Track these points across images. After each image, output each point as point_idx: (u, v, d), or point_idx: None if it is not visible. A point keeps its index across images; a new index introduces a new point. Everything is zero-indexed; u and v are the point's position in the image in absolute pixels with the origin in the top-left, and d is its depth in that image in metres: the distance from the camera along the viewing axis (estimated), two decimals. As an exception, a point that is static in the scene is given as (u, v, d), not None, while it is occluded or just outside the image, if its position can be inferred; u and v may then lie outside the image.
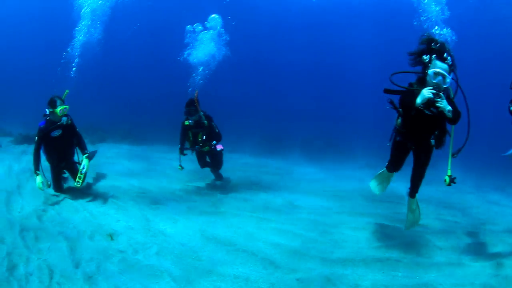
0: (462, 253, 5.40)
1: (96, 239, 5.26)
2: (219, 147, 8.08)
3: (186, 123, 7.77)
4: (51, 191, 7.27)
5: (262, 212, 6.85)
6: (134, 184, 8.38)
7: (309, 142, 16.92)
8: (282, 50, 29.72)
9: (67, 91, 7.16)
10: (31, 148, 11.05)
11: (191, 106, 7.68)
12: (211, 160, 8.23)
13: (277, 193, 8.30)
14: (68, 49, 10.51)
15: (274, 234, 5.75)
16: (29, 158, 9.65)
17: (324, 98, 26.92)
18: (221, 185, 8.60)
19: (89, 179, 8.08)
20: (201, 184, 8.71)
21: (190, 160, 8.50)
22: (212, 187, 8.46)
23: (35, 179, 6.87)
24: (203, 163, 8.37)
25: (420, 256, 5.25)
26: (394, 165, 5.71)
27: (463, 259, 5.17)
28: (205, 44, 9.88)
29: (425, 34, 4.87)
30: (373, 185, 6.19)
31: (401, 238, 5.82)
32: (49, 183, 7.21)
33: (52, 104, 6.88)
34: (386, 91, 4.97)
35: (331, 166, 13.05)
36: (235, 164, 10.96)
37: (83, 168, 7.08)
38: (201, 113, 7.73)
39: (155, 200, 7.24)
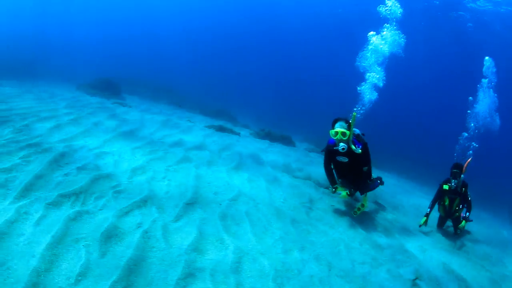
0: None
1: (365, 247, 6.23)
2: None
3: (445, 187, 8.04)
4: (318, 197, 7.99)
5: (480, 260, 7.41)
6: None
7: None
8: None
9: (354, 114, 6.81)
10: (273, 146, 13.15)
11: (457, 169, 7.98)
12: (454, 224, 8.40)
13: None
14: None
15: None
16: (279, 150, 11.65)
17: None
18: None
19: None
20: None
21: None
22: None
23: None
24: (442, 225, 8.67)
25: None
26: None
27: None
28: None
29: None
30: None
31: None
32: (351, 191, 7.41)
33: (332, 123, 7.03)
34: None
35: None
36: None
37: (362, 206, 7.37)
38: (463, 179, 8.05)
39: (403, 228, 7.94)
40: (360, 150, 6.71)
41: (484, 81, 10.15)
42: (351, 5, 33.29)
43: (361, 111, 8.45)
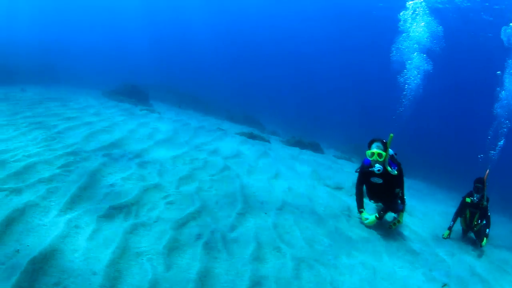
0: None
1: (402, 252, 6.63)
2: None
3: (468, 200, 8.31)
4: (354, 204, 7.97)
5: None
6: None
7: None
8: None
9: (391, 135, 6.87)
10: (303, 153, 13.30)
11: (479, 184, 8.23)
12: (476, 236, 8.61)
13: None
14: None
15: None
16: (310, 158, 11.71)
17: None
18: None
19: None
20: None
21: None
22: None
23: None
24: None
25: None
26: None
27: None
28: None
29: None
30: None
31: None
32: (381, 213, 7.46)
33: (369, 144, 7.10)
34: None
35: None
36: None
37: (398, 222, 7.45)
38: (485, 194, 8.31)
39: (433, 234, 8.26)
40: (396, 172, 6.84)
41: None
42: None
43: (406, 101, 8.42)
